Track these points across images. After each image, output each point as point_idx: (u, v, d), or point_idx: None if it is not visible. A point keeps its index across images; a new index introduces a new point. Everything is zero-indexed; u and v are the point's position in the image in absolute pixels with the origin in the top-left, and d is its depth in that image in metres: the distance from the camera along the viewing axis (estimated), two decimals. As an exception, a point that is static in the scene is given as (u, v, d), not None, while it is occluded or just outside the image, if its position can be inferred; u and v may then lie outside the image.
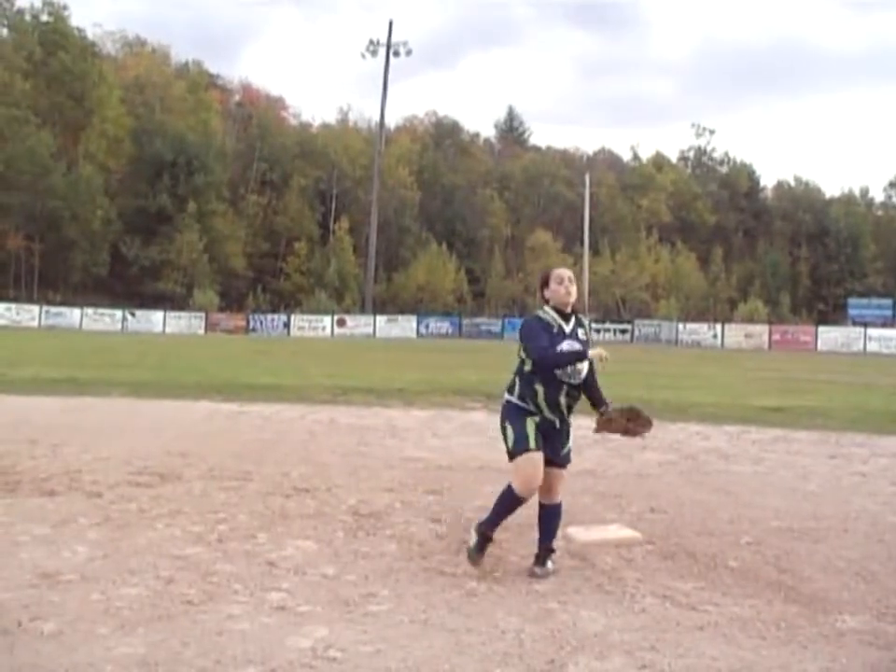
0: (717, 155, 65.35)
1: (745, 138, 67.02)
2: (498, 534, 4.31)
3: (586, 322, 4.33)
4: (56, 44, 48.22)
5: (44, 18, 49.66)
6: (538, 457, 4.02)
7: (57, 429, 8.20)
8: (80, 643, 3.28)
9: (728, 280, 58.65)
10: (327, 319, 44.36)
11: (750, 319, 44.81)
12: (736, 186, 63.71)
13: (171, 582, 3.97)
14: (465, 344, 35.01)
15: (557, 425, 4.11)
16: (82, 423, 8.91)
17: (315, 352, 25.92)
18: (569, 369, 3.99)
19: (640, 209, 59.90)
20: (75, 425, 8.70)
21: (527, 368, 4.11)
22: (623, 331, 40.87)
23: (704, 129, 64.97)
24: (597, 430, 4.21)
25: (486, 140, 65.93)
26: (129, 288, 48.84)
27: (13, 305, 42.66)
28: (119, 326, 42.08)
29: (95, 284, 48.88)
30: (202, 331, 42.17)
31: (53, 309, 43.16)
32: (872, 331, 37.64)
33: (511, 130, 65.99)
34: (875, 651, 3.36)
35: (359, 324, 44.47)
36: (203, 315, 43.98)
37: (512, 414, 4.14)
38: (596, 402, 4.21)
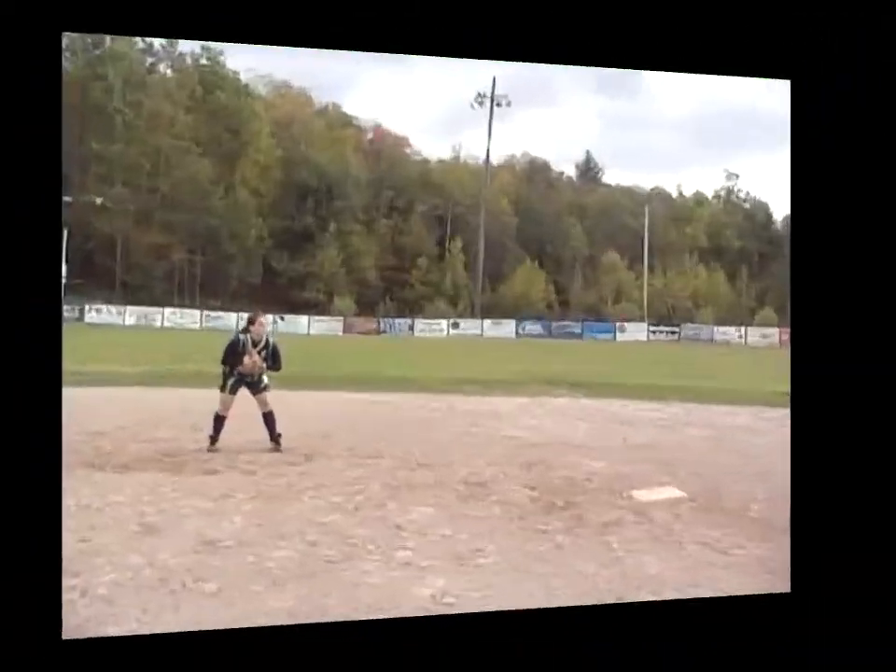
0: (742, 194, 74.56)
1: (761, 180, 75.72)
2: (577, 497, 5.69)
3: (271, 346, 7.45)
4: (214, 84, 53.48)
5: (203, 61, 54.65)
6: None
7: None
8: (237, 599, 3.72)
9: (748, 293, 65.11)
10: (444, 323, 48.99)
11: (764, 323, 51.89)
12: (756, 218, 71.39)
13: (315, 545, 4.58)
14: (553, 343, 38.23)
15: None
16: (237, 410, 8.33)
17: (434, 350, 27.16)
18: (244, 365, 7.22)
19: (685, 235, 69.25)
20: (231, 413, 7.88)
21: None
22: (672, 332, 48.59)
23: (732, 174, 73.84)
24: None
25: (568, 177, 74.97)
26: (278, 296, 52.91)
27: (177, 310, 46.89)
28: (271, 328, 44.63)
29: (249, 292, 53.17)
30: (340, 333, 45.76)
31: (213, 314, 46.35)
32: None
33: (589, 170, 75.67)
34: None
35: (469, 326, 48.97)
36: (341, 319, 48.18)
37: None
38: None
